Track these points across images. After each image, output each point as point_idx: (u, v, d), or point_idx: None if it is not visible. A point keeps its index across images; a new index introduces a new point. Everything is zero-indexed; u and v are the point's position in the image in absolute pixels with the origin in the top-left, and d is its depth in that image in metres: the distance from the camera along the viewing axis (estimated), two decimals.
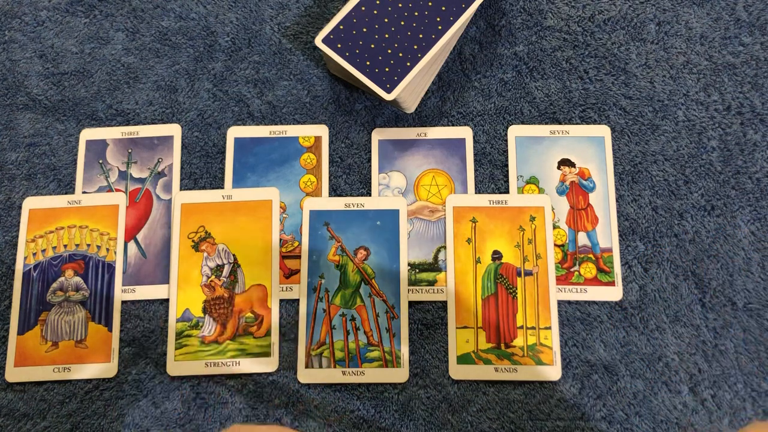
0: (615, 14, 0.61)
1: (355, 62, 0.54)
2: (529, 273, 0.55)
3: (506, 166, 0.58)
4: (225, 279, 0.56)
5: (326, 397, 0.53)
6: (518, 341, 0.54)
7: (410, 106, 0.57)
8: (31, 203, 0.57)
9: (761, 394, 0.52)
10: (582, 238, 0.56)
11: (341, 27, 0.55)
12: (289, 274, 0.56)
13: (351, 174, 0.58)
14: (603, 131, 0.58)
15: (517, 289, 0.55)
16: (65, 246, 0.56)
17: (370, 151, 0.59)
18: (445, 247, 0.56)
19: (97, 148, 0.59)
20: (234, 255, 0.56)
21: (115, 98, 0.60)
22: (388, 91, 0.53)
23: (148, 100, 0.60)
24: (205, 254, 0.56)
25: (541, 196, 0.57)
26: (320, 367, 0.53)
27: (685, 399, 0.52)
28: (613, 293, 0.55)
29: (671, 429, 0.52)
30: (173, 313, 0.55)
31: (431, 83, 0.59)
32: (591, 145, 0.58)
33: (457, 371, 0.53)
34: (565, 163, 0.58)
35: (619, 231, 0.56)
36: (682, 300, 0.54)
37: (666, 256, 0.55)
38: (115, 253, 0.56)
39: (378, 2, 0.55)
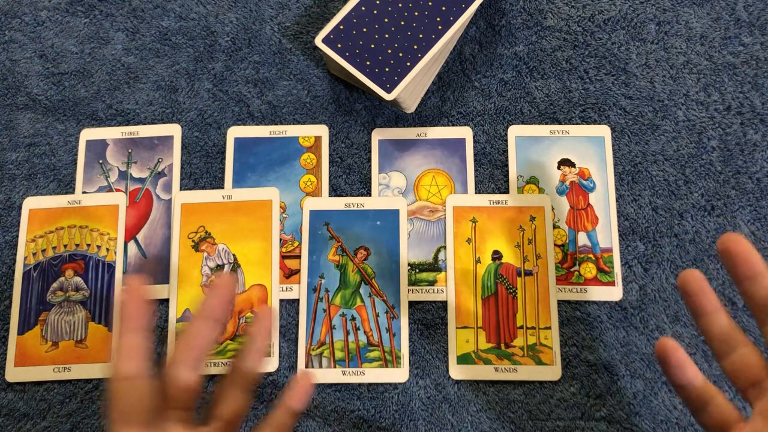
0: (615, 14, 0.61)
1: (355, 62, 0.54)
2: (529, 273, 0.55)
3: (506, 166, 0.58)
4: None
5: (326, 397, 0.53)
6: (518, 341, 0.54)
7: (410, 106, 0.57)
8: (31, 203, 0.57)
9: None
10: (582, 238, 0.56)
11: (341, 27, 0.55)
12: (289, 274, 0.56)
13: (351, 174, 0.58)
14: (603, 131, 0.58)
15: (517, 289, 0.55)
16: (65, 246, 0.57)
17: (370, 151, 0.59)
18: (445, 247, 0.56)
19: (97, 148, 0.59)
20: (234, 255, 0.56)
21: (115, 98, 0.60)
22: (388, 91, 0.53)
23: (148, 100, 0.60)
24: (205, 254, 0.56)
25: (541, 196, 0.57)
26: (320, 367, 0.53)
27: None
28: (613, 293, 0.55)
29: (671, 429, 0.52)
30: (173, 313, 0.55)
31: (431, 83, 0.59)
32: (591, 145, 0.58)
33: (457, 371, 0.53)
34: (565, 163, 0.58)
35: (619, 231, 0.56)
36: (682, 300, 0.54)
37: (666, 256, 0.55)
38: (115, 253, 0.56)
39: (378, 2, 0.55)
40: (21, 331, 0.55)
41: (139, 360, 0.37)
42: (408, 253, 0.56)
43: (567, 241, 0.56)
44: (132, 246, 0.57)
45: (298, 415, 0.44)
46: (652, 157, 0.58)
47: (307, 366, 0.53)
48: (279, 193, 0.57)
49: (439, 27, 0.54)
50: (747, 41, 0.60)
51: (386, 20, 0.55)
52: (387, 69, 0.53)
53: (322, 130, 0.59)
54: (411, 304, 0.55)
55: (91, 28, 0.62)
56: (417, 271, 0.56)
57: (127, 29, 0.62)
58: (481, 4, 0.59)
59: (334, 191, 0.58)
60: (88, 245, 0.57)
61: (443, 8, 0.55)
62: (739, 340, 0.36)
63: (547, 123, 0.59)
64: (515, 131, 0.58)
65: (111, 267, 0.56)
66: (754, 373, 0.36)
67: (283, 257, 0.56)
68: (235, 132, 0.59)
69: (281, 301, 0.55)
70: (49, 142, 0.59)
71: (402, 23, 0.54)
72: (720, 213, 0.56)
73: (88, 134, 0.59)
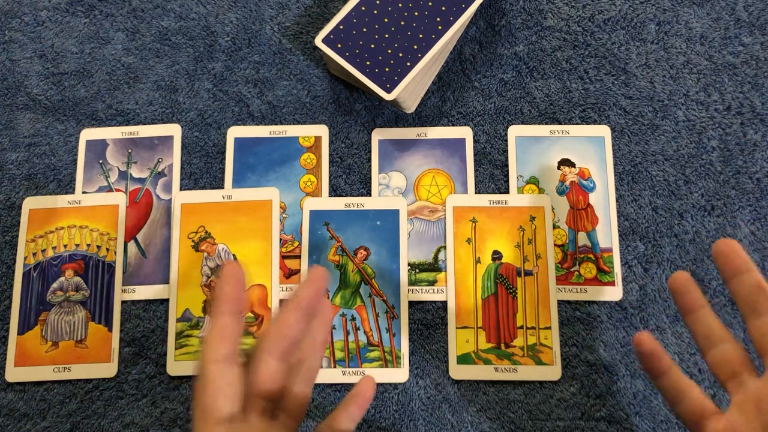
0: (615, 14, 0.61)
1: (355, 62, 0.54)
2: (529, 273, 0.55)
3: (506, 166, 0.58)
4: None
5: (326, 397, 0.53)
6: (518, 341, 0.54)
7: (410, 106, 0.57)
8: (31, 203, 0.57)
9: None
10: (582, 238, 0.56)
11: (341, 27, 0.55)
12: (289, 274, 0.56)
13: (351, 174, 0.58)
14: (603, 131, 0.58)
15: (517, 289, 0.55)
16: (65, 246, 0.57)
17: (370, 151, 0.59)
18: (445, 247, 0.56)
19: (97, 148, 0.59)
20: (234, 255, 0.56)
21: (115, 98, 0.60)
22: (388, 91, 0.53)
23: (148, 100, 0.60)
24: (205, 254, 0.56)
25: (541, 196, 0.57)
26: (320, 367, 0.53)
27: None
28: (613, 293, 0.55)
29: (671, 429, 0.52)
30: (173, 313, 0.55)
31: (431, 83, 0.59)
32: (591, 145, 0.58)
33: (457, 371, 0.53)
34: (565, 163, 0.58)
35: (619, 231, 0.56)
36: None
37: (666, 256, 0.55)
38: (115, 253, 0.56)
39: (378, 2, 0.55)
40: (21, 331, 0.55)
41: (233, 344, 0.36)
42: (408, 253, 0.56)
43: (567, 241, 0.56)
44: (132, 246, 0.57)
45: (358, 423, 0.43)
46: (652, 157, 0.58)
47: None
48: (279, 193, 0.57)
49: (439, 27, 0.54)
50: (747, 41, 0.60)
51: (386, 20, 0.55)
52: (387, 69, 0.53)
53: (322, 130, 0.59)
54: (411, 304, 0.55)
55: (91, 28, 0.62)
56: (417, 271, 0.56)
57: (127, 29, 0.62)
58: (481, 4, 0.59)
59: (334, 191, 0.58)
60: (88, 245, 0.57)
61: (443, 8, 0.55)
62: (721, 336, 0.39)
63: (547, 123, 0.59)
64: (515, 131, 0.58)
65: (111, 267, 0.56)
66: (733, 366, 0.38)
67: (283, 257, 0.56)
68: (235, 132, 0.59)
69: (281, 301, 0.55)
70: (49, 142, 0.59)
71: (402, 23, 0.54)
72: (720, 213, 0.56)
73: (88, 134, 0.59)
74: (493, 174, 0.58)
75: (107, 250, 0.56)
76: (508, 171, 0.58)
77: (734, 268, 0.38)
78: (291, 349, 0.38)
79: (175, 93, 0.60)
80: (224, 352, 0.35)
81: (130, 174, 0.59)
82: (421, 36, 0.54)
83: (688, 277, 0.40)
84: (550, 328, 0.54)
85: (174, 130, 0.59)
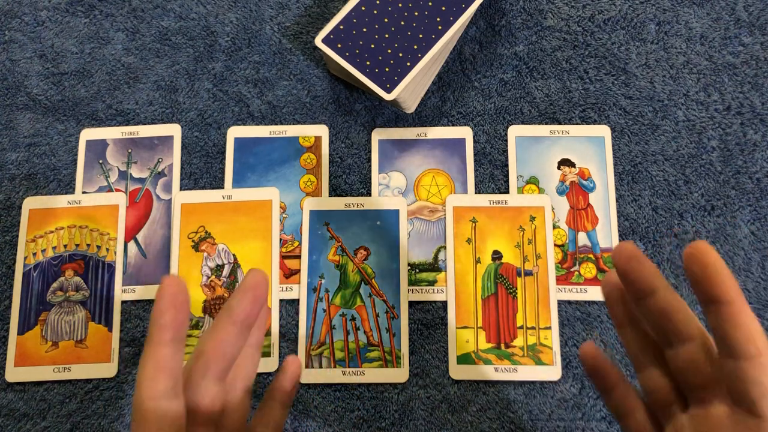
0: (615, 14, 0.61)
1: (355, 62, 0.54)
2: (529, 273, 0.55)
3: (506, 166, 0.58)
4: (225, 279, 0.56)
5: (326, 397, 0.53)
6: (518, 341, 0.54)
7: (410, 106, 0.57)
8: (31, 203, 0.57)
9: None
10: (582, 238, 0.56)
11: (341, 27, 0.55)
12: (289, 274, 0.56)
13: (351, 174, 0.58)
14: (603, 131, 0.58)
15: (517, 289, 0.55)
16: (65, 246, 0.57)
17: (370, 151, 0.59)
18: (445, 247, 0.56)
19: (97, 148, 0.59)
20: (234, 255, 0.56)
21: (115, 98, 0.60)
22: (388, 91, 0.53)
23: (148, 100, 0.60)
24: (205, 254, 0.56)
25: (541, 196, 0.57)
26: (320, 367, 0.53)
27: None
28: None
29: None
30: None
31: (431, 83, 0.59)
32: (591, 145, 0.58)
33: (457, 371, 0.53)
34: (565, 163, 0.58)
35: (619, 231, 0.56)
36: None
37: (666, 256, 0.55)
38: (115, 253, 0.56)
39: (378, 2, 0.55)
40: (21, 331, 0.55)
41: (173, 376, 0.32)
42: (408, 253, 0.56)
43: (567, 241, 0.56)
44: (132, 246, 0.57)
45: (293, 398, 0.45)
46: (652, 157, 0.58)
47: (306, 366, 0.53)
48: (279, 193, 0.57)
49: (439, 27, 0.54)
50: (747, 41, 0.60)
51: (386, 20, 0.55)
52: (387, 69, 0.53)
53: (322, 130, 0.59)
54: (411, 304, 0.55)
55: (91, 28, 0.62)
56: (417, 271, 0.56)
57: (127, 29, 0.62)
58: (481, 4, 0.59)
59: (334, 191, 0.58)
60: (88, 245, 0.57)
61: (443, 8, 0.55)
62: (655, 359, 0.35)
63: (547, 123, 0.59)
64: (515, 131, 0.58)
65: (111, 267, 0.56)
66: (665, 395, 0.34)
67: (283, 257, 0.56)
68: (235, 132, 0.59)
69: (281, 301, 0.55)
70: (49, 142, 0.59)
71: (402, 23, 0.54)
72: (720, 213, 0.56)
73: (88, 134, 0.59)
74: (493, 174, 0.58)
75: (107, 250, 0.56)
76: (508, 171, 0.58)
77: (646, 287, 0.32)
78: (229, 366, 0.35)
79: (175, 93, 0.60)
80: (163, 387, 0.31)
81: (130, 174, 0.59)
82: (421, 36, 0.54)
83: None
84: (550, 328, 0.54)
85: (174, 130, 0.59)
